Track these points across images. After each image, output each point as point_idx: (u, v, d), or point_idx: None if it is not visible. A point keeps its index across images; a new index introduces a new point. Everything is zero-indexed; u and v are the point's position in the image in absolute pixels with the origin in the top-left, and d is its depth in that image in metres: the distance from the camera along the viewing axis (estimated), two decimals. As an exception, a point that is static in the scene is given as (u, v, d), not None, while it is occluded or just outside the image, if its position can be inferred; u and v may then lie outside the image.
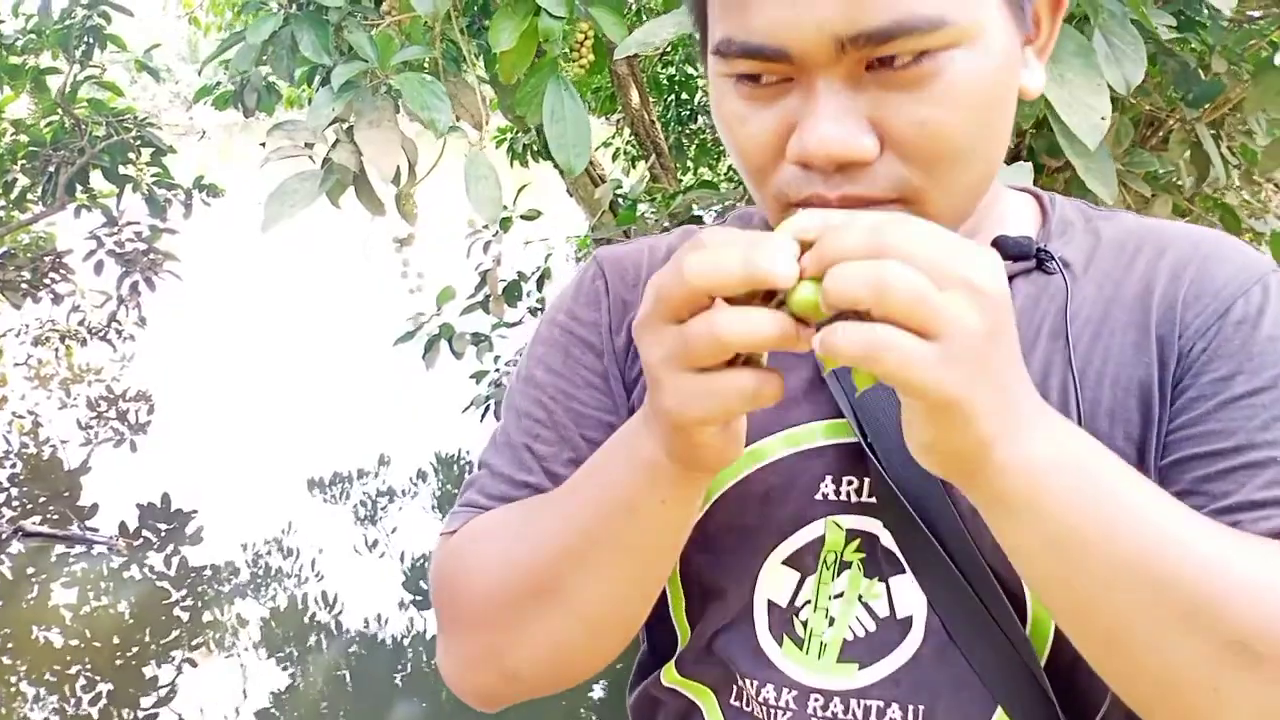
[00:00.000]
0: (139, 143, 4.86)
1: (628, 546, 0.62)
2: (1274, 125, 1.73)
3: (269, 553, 4.51)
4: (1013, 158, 1.84)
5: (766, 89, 0.59)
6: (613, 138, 5.84)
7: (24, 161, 4.89)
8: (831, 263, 0.47)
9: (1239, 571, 0.54)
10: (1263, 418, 0.62)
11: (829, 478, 0.68)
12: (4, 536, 4.35)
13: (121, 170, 4.89)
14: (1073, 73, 1.27)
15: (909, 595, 0.67)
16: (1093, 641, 0.56)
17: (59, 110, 4.73)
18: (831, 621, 0.68)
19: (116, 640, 3.68)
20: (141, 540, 4.49)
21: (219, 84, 3.92)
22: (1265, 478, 0.60)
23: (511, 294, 3.54)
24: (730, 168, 5.65)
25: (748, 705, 0.71)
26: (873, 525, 0.68)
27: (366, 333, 6.37)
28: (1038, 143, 1.82)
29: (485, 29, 2.16)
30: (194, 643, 3.74)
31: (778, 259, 0.47)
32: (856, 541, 0.68)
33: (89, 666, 3.52)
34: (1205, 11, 1.60)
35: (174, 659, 3.61)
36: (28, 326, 6.64)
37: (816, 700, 0.68)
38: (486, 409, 3.45)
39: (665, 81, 5.46)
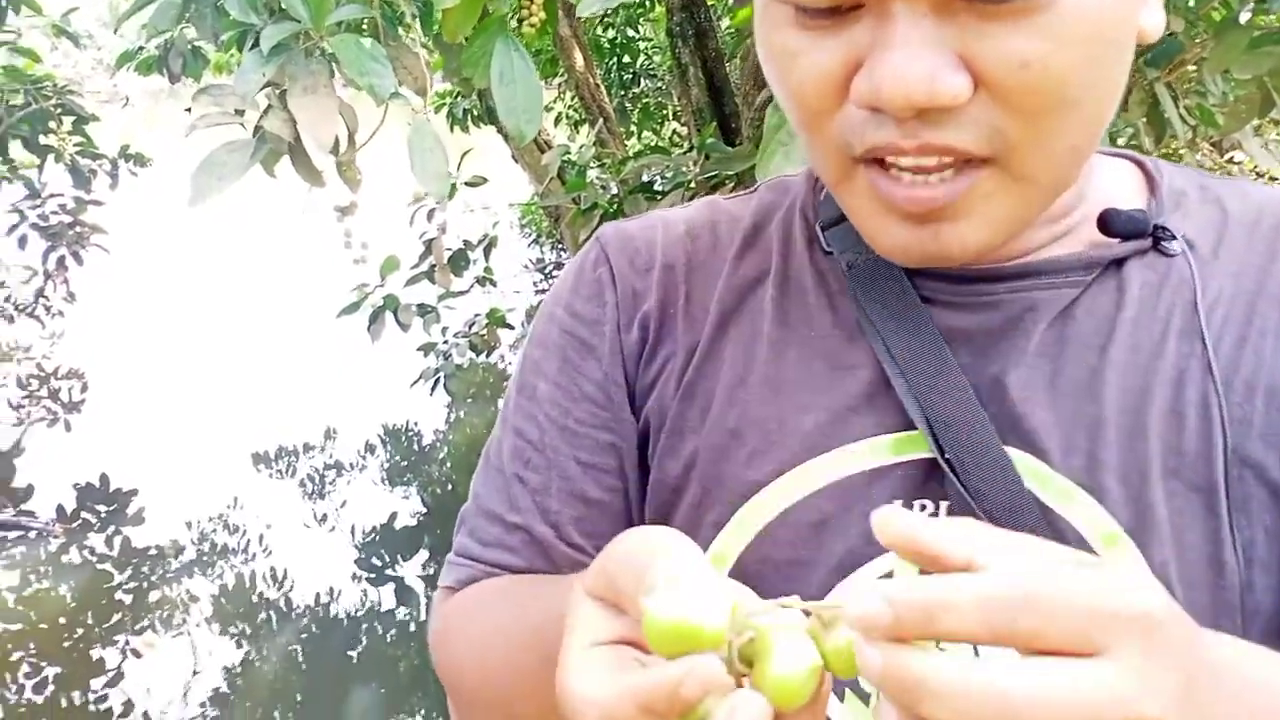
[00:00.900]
0: (60, 111, 4.67)
1: None
2: (1238, 85, 1.74)
3: (215, 530, 4.43)
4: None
5: (830, 18, 0.48)
6: (554, 101, 5.76)
7: (-61, 133, 4.68)
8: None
9: None
10: None
11: (898, 503, 0.57)
12: (-65, 523, 4.21)
13: (42, 140, 4.70)
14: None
15: None
16: None
17: (-26, 79, 4.53)
18: None
19: (61, 623, 3.60)
20: (81, 522, 4.37)
21: (142, 49, 3.77)
22: None
23: (457, 263, 3.48)
24: (675, 132, 5.60)
25: None
26: None
27: (308, 304, 6.25)
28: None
29: (427, -11, 2.10)
30: (139, 625, 3.67)
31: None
32: None
33: (33, 652, 3.43)
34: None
35: (119, 642, 3.54)
36: (-50, 305, 6.41)
37: None
38: (436, 382, 3.41)
39: (606, 45, 5.39)
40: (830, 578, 0.58)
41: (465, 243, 3.57)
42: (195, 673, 3.41)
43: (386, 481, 5.04)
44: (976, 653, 0.44)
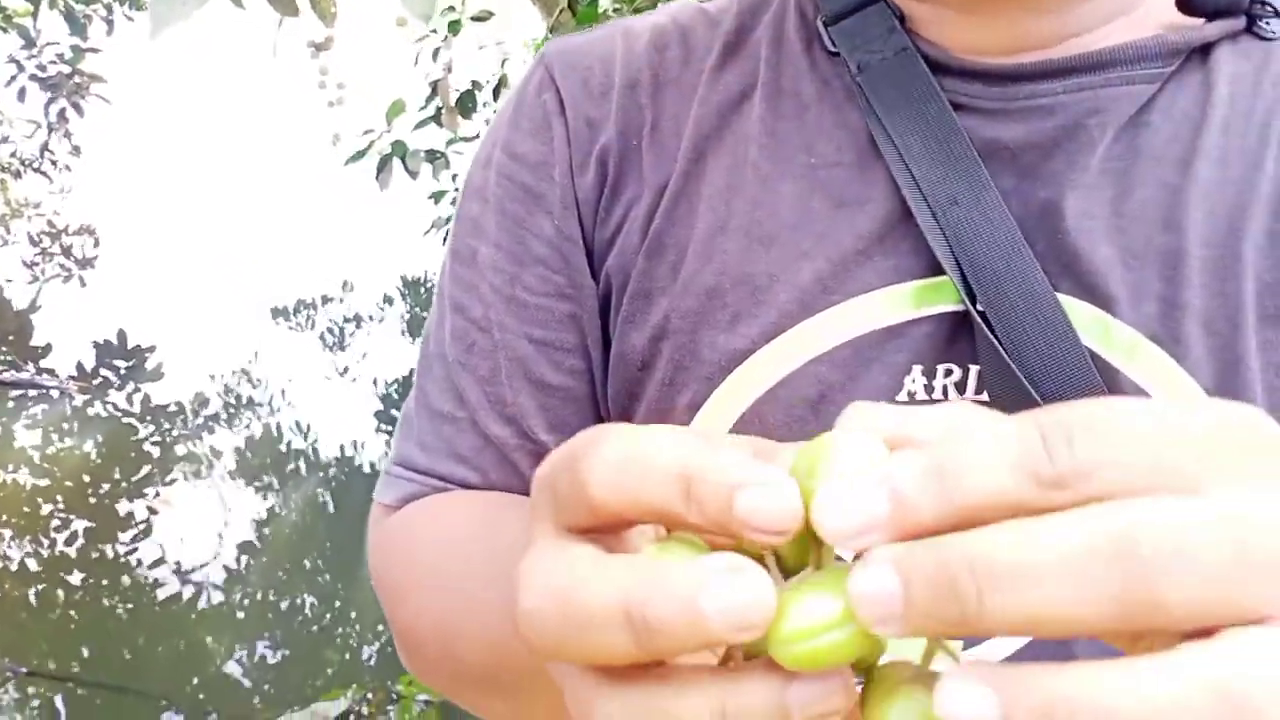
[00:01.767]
0: (49, -47, 4.46)
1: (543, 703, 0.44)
2: None
3: (238, 384, 4.43)
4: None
5: None
6: (563, -71, 5.45)
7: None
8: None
9: None
10: None
11: (918, 368, 0.46)
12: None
13: (33, -16, 4.51)
14: None
15: None
16: None
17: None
18: None
19: (87, 479, 3.64)
20: (100, 380, 4.38)
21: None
22: None
23: (466, 105, 3.33)
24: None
25: None
26: None
27: (317, 152, 6.11)
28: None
29: None
30: (167, 478, 3.70)
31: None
32: None
33: (61, 506, 3.48)
34: None
35: (146, 495, 3.58)
36: (-45, 161, 6.30)
37: None
38: (448, 231, 3.32)
39: None
40: None
41: (474, 83, 3.41)
42: (226, 522, 3.45)
43: (407, 333, 5.01)
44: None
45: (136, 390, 4.30)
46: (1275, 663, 0.20)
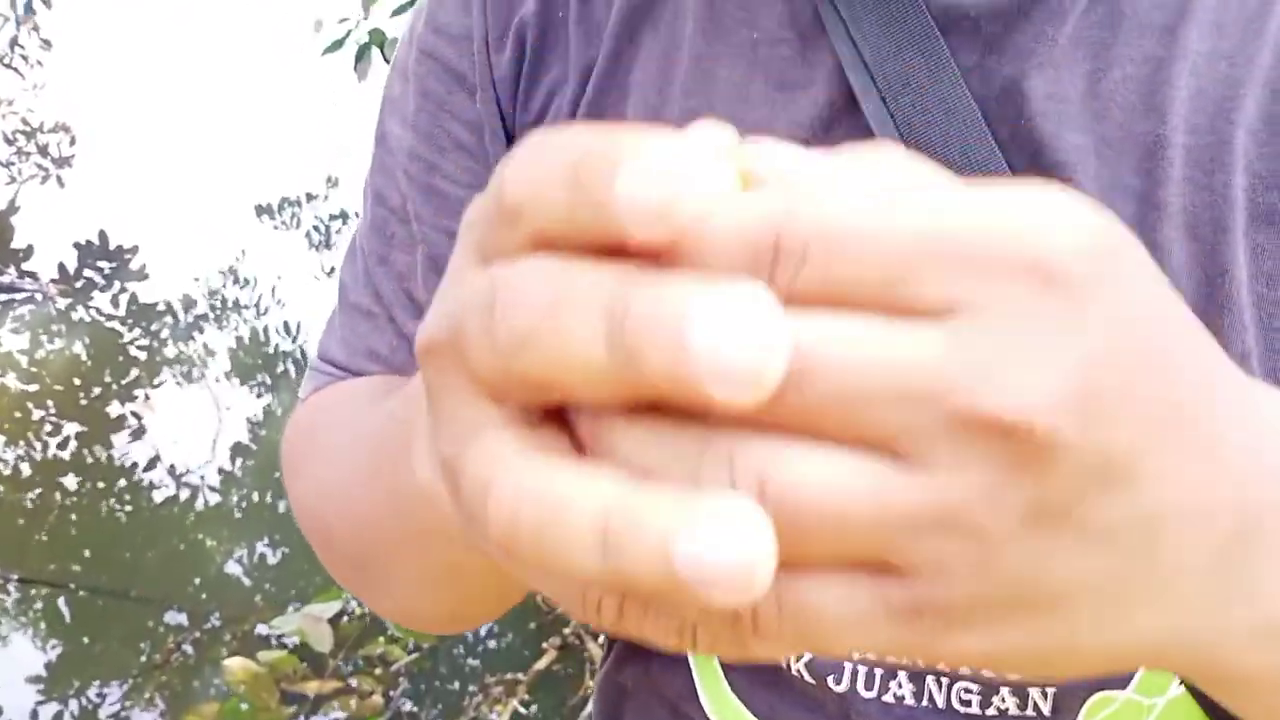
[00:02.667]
0: None
1: (430, 570, 0.41)
2: None
3: (225, 284, 4.37)
4: None
5: None
6: None
7: None
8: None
9: None
10: None
11: None
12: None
13: None
14: None
15: None
16: None
17: None
18: None
19: (77, 382, 3.60)
20: (84, 282, 4.31)
21: None
22: None
23: (447, -12, 3.19)
24: None
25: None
26: None
27: (296, 43, 5.91)
28: None
29: None
30: (156, 380, 3.67)
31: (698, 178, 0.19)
32: None
33: (52, 411, 3.45)
34: None
35: (137, 398, 3.55)
36: (-78, 57, 6.10)
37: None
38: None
39: None
40: None
41: (454, -35, 3.27)
42: (220, 421, 3.43)
43: (394, 229, 4.94)
44: None
45: (122, 291, 4.24)
46: None
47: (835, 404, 0.18)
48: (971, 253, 0.18)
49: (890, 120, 0.40)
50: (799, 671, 0.47)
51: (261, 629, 2.57)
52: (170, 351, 3.86)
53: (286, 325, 4.09)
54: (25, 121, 6.32)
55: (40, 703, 2.41)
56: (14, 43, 5.85)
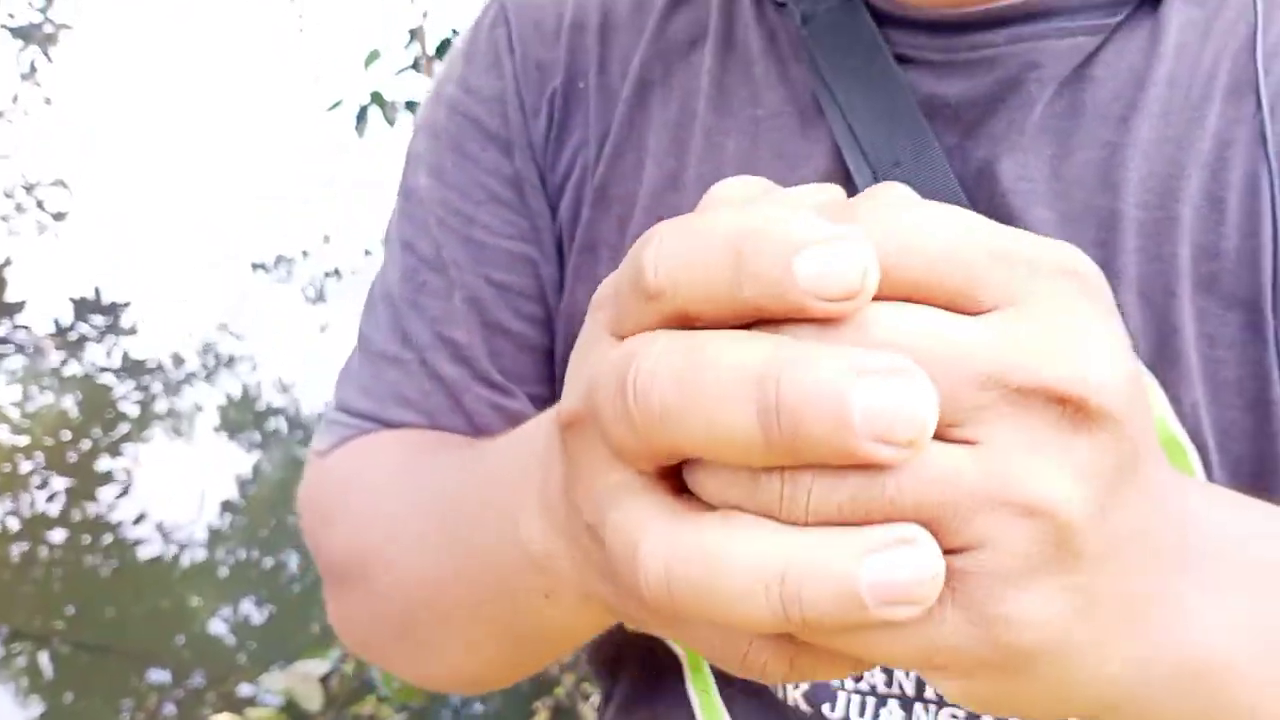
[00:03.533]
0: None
1: (501, 629, 0.42)
2: None
3: (218, 340, 4.38)
4: None
5: None
6: None
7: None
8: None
9: None
10: None
11: None
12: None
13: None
14: None
15: None
16: None
17: None
18: None
19: (67, 437, 3.59)
20: (78, 337, 4.31)
21: None
22: None
23: (444, 53, 3.26)
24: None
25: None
26: None
27: (294, 103, 5.99)
28: None
29: None
30: (145, 435, 3.66)
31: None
32: None
33: (42, 464, 3.44)
34: None
35: (126, 453, 3.54)
36: (-77, 112, 6.16)
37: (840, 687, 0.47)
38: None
39: None
40: None
41: (453, 30, 3.34)
42: (207, 479, 3.42)
43: (388, 287, 4.96)
44: None
45: (115, 346, 4.24)
46: None
47: None
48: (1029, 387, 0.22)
49: None
50: (796, 701, 0.48)
51: (245, 688, 2.54)
52: (161, 407, 3.86)
53: (280, 380, 4.09)
54: (23, 175, 6.38)
55: (19, 763, 2.37)
56: (15, 98, 5.91)
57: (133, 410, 3.81)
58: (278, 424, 3.83)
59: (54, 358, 4.11)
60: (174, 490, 3.34)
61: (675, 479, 0.24)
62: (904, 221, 0.22)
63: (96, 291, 4.66)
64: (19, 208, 5.94)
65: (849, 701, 0.47)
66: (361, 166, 5.04)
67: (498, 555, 0.36)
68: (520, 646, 0.43)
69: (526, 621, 0.39)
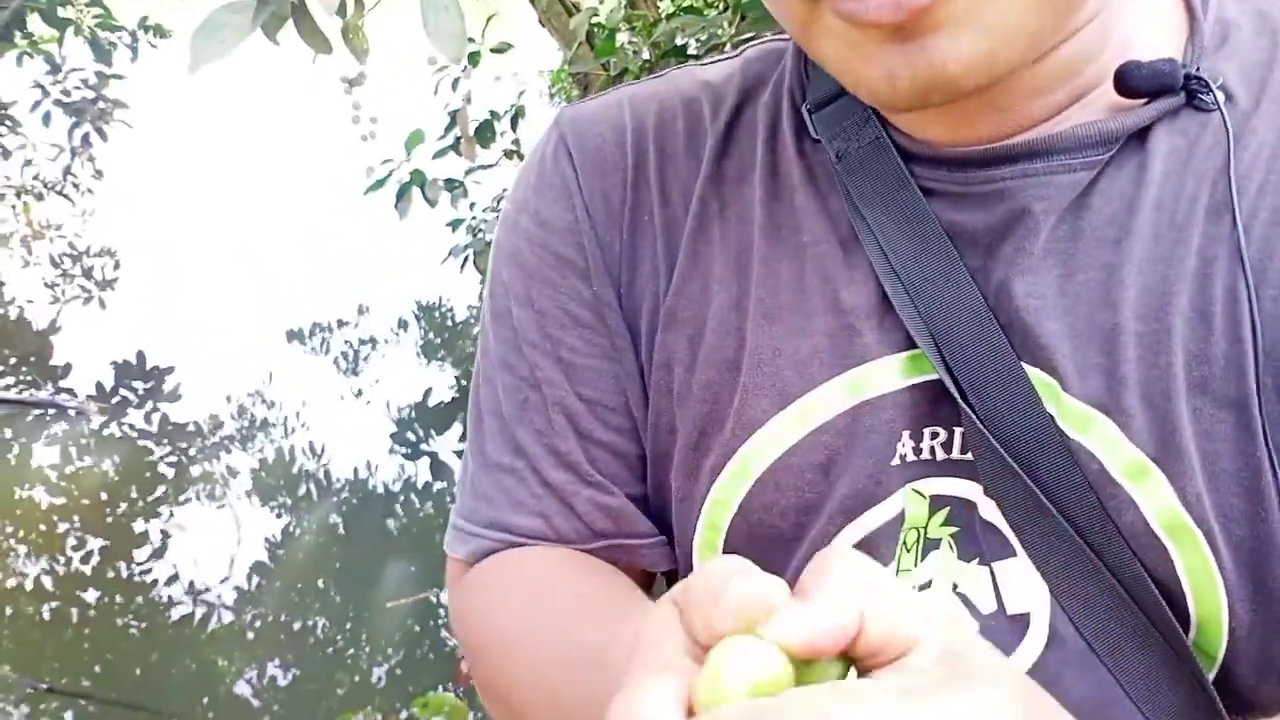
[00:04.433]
0: (77, -19, 4.56)
1: None
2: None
3: (253, 405, 4.47)
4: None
5: None
6: (582, -37, 5.52)
7: (-45, 6, 4.58)
8: None
9: None
10: None
11: (906, 433, 0.50)
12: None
13: (60, 13, 4.60)
14: None
15: (1023, 585, 0.49)
16: None
17: (-14, -53, 4.40)
18: None
19: (104, 498, 3.67)
20: (119, 399, 4.42)
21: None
22: None
23: (484, 135, 3.37)
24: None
25: None
26: (967, 489, 0.50)
27: (337, 179, 6.18)
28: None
29: None
30: (181, 498, 3.74)
31: None
32: (945, 512, 0.51)
33: (78, 525, 3.51)
34: None
35: (162, 514, 3.61)
36: (-20, 183, 6.40)
37: None
38: (465, 259, 3.36)
39: (636, -101, 5.12)
40: (836, 521, 0.51)
41: (492, 113, 3.46)
42: (239, 542, 3.47)
43: (421, 356, 5.05)
44: None
45: (154, 410, 4.34)
46: None
47: None
48: None
49: (916, 311, 0.49)
50: None
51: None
52: (196, 470, 3.94)
53: (311, 445, 4.17)
54: (72, 245, 6.58)
55: (44, 820, 2.39)
56: (67, 171, 6.14)
57: (170, 473, 3.90)
58: (309, 488, 3.90)
59: (95, 421, 4.22)
60: (206, 552, 3.41)
61: None
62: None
63: (140, 355, 4.79)
64: (66, 275, 6.12)
65: None
66: (400, 242, 5.18)
67: None
68: None
69: None
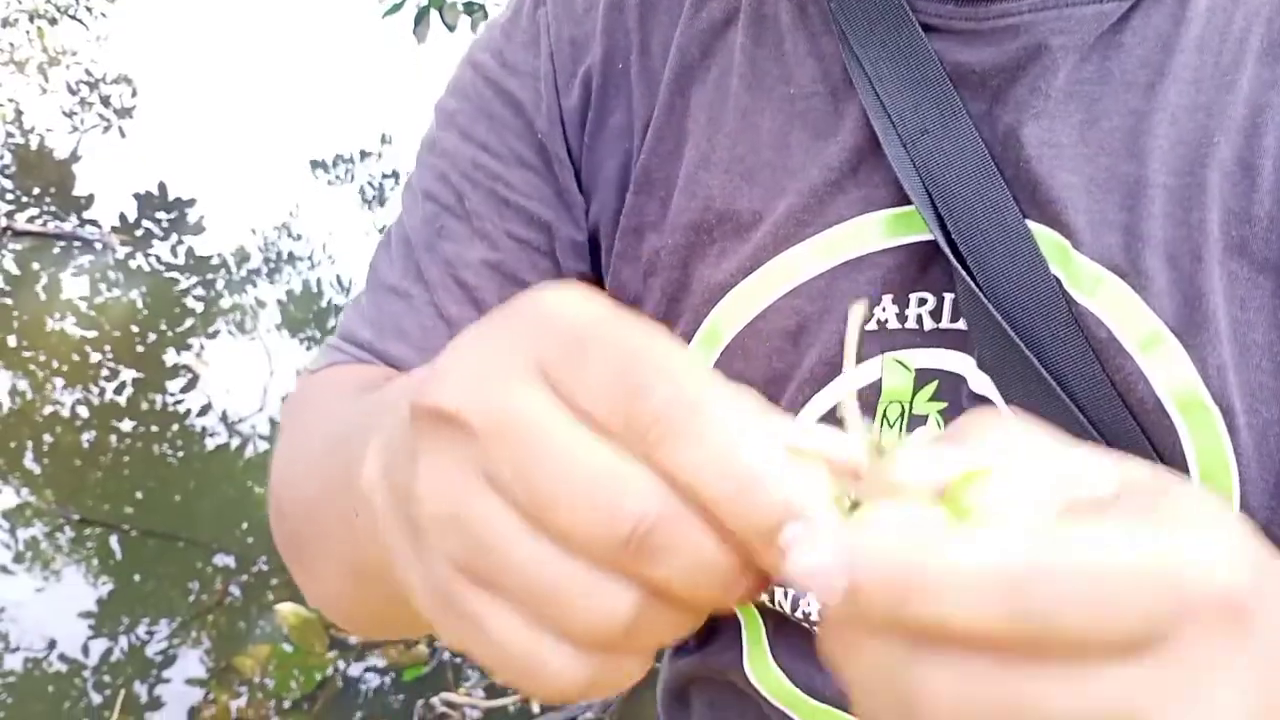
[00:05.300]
0: None
1: (349, 561, 0.41)
2: None
3: (279, 238, 4.44)
4: None
5: None
6: None
7: None
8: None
9: None
10: None
11: (888, 297, 0.47)
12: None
13: None
14: None
15: None
16: None
17: None
18: None
19: (134, 330, 3.69)
20: (144, 232, 4.40)
21: None
22: None
23: (506, -49, 3.20)
24: None
25: (792, 614, 0.52)
26: (958, 362, 0.46)
27: (355, 4, 5.96)
28: None
29: None
30: (210, 329, 3.75)
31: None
32: (932, 386, 0.47)
33: (110, 356, 3.55)
34: None
35: (192, 347, 3.64)
36: (-9, 5, 6.22)
37: None
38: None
39: None
40: (804, 390, 0.48)
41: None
42: (271, 372, 3.50)
43: (445, 190, 4.98)
44: None
45: (180, 243, 4.32)
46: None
47: None
48: (1172, 594, 0.22)
49: (910, 163, 0.45)
50: None
51: (306, 576, 2.64)
52: (225, 303, 3.94)
53: (339, 279, 4.16)
54: (88, 72, 6.43)
55: (91, 638, 2.50)
56: (79, -5, 5.94)
57: (198, 306, 3.91)
58: (337, 320, 3.90)
59: (121, 252, 4.21)
60: (238, 383, 3.44)
61: None
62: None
63: (162, 187, 4.74)
64: (84, 102, 6.01)
65: None
66: (420, 69, 5.02)
67: (346, 482, 0.36)
68: (365, 586, 0.42)
69: (364, 556, 0.39)
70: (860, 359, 0.47)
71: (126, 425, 3.23)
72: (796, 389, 0.48)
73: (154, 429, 3.23)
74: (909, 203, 0.45)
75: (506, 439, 0.23)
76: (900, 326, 0.47)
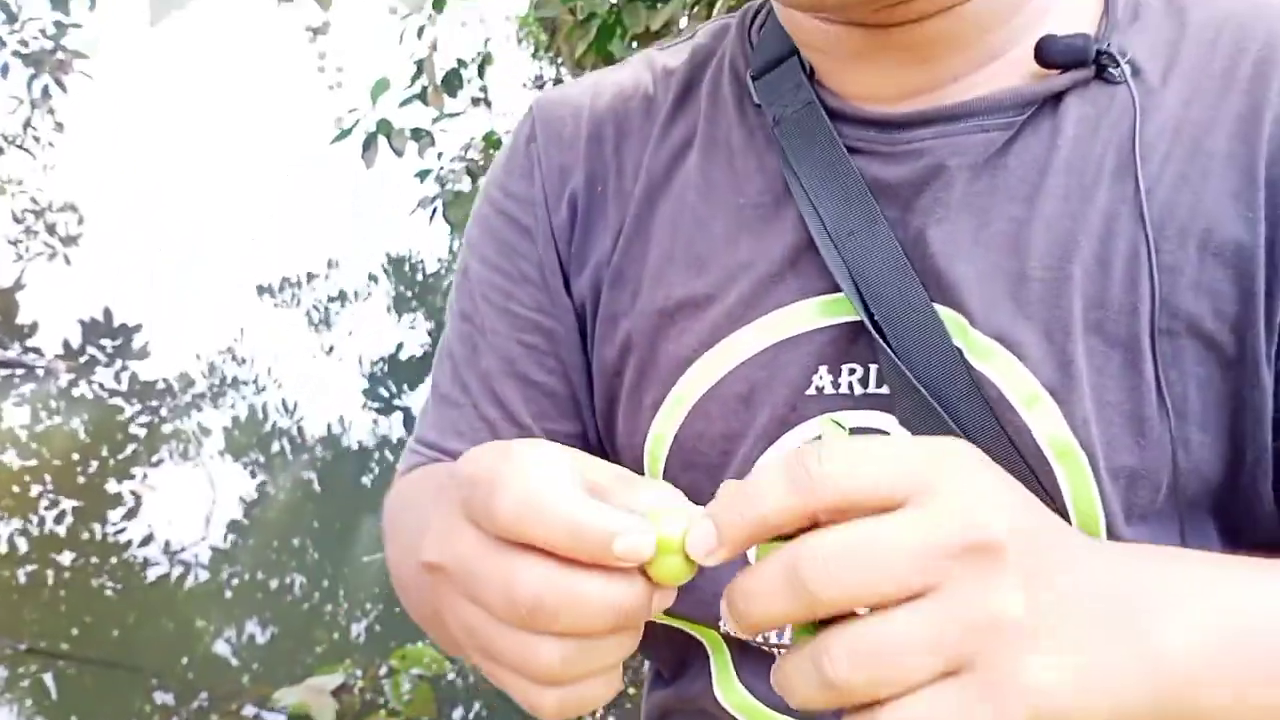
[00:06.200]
0: (27, -73, 4.41)
1: (431, 612, 0.54)
2: None
3: (224, 363, 4.43)
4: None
5: None
6: (549, -96, 5.39)
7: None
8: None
9: None
10: None
11: (824, 367, 0.56)
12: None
13: (12, -41, 4.47)
14: None
15: None
16: None
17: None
18: None
19: (75, 458, 3.64)
20: (88, 359, 4.37)
21: None
22: None
23: (451, 83, 3.32)
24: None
25: (753, 640, 0.61)
26: (884, 421, 0.55)
27: (302, 130, 6.08)
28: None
29: None
30: (154, 458, 3.71)
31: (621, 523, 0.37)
32: None
33: (50, 486, 3.48)
34: None
35: (134, 475, 3.59)
36: (-63, 137, 6.24)
37: None
38: (434, 210, 3.31)
39: None
40: (758, 446, 0.57)
41: (459, 61, 3.40)
42: (214, 502, 3.46)
43: (392, 310, 5.01)
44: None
45: (124, 369, 4.29)
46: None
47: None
48: (933, 549, 0.35)
49: (840, 259, 0.55)
50: None
51: (249, 709, 2.57)
52: (168, 429, 3.90)
53: (284, 403, 4.14)
54: (34, 200, 6.45)
55: (24, 781, 2.40)
56: (27, 124, 5.99)
57: (141, 432, 3.86)
58: (282, 445, 3.88)
59: (64, 379, 4.17)
60: (180, 511, 3.39)
61: None
62: (840, 469, 0.35)
63: (107, 313, 4.72)
64: (29, 231, 6.01)
65: None
66: (368, 194, 5.11)
67: (415, 551, 0.46)
68: (442, 629, 0.54)
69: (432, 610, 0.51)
70: (803, 420, 0.57)
71: (66, 557, 3.15)
72: (751, 444, 0.57)
73: (94, 560, 3.16)
74: (839, 290, 0.55)
75: (458, 573, 0.39)
76: (835, 392, 0.56)
